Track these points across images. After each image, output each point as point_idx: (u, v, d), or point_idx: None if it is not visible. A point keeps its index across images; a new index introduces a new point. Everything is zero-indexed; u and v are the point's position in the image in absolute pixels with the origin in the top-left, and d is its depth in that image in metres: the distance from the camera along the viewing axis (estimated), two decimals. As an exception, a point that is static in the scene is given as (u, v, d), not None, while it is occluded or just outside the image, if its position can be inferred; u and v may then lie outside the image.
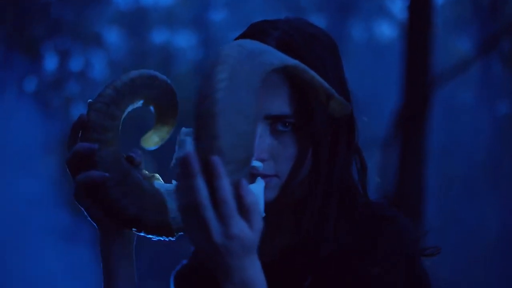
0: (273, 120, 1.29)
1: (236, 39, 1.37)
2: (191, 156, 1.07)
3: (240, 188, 1.08)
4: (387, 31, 11.40)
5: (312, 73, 1.21)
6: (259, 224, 1.09)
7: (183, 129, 1.20)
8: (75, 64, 9.79)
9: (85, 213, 1.31)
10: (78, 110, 9.91)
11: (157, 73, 1.31)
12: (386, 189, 4.97)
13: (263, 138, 1.28)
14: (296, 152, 1.30)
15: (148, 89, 1.32)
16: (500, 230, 9.58)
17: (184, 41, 11.01)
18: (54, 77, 9.32)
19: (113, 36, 10.58)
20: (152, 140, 1.40)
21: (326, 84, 1.22)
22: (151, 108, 1.36)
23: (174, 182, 1.25)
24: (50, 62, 9.39)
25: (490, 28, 7.99)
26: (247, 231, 1.08)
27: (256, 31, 1.34)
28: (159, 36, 11.11)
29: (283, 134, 1.29)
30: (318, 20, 10.67)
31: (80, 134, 1.27)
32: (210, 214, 1.07)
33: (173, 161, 1.19)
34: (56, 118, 8.71)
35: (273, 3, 10.52)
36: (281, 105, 1.28)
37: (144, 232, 1.28)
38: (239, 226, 1.07)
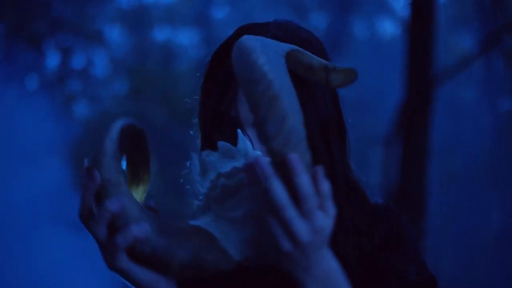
0: None
1: (223, 43, 1.36)
2: (261, 159, 1.04)
3: (317, 175, 1.04)
4: (389, 28, 11.40)
5: (308, 53, 1.19)
6: (332, 209, 1.05)
7: (194, 154, 1.16)
8: (77, 61, 9.79)
9: (136, 280, 1.14)
10: (80, 107, 9.91)
11: (134, 122, 1.21)
12: (389, 187, 4.97)
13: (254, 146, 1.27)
14: None
15: (128, 139, 1.23)
16: (501, 228, 9.58)
17: (185, 38, 11.01)
18: (56, 75, 9.32)
19: (115, 33, 10.58)
20: None
21: (323, 60, 1.20)
22: (123, 165, 1.23)
23: (201, 217, 1.17)
24: (52, 60, 9.40)
25: (492, 25, 7.99)
26: (327, 221, 1.05)
27: (245, 34, 1.33)
28: (160, 34, 11.11)
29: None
30: (320, 17, 10.66)
31: (92, 193, 1.14)
32: (292, 213, 1.03)
33: (214, 177, 1.12)
34: (58, 115, 8.71)
35: (275, 0, 10.51)
36: None
37: (205, 273, 1.14)
38: (320, 218, 1.04)
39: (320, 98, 1.30)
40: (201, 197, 1.19)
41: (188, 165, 1.21)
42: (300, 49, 1.19)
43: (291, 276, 1.08)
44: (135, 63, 10.55)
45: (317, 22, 10.35)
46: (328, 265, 1.08)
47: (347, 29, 10.39)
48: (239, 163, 1.13)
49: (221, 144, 1.16)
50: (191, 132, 1.43)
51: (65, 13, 8.88)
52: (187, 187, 1.24)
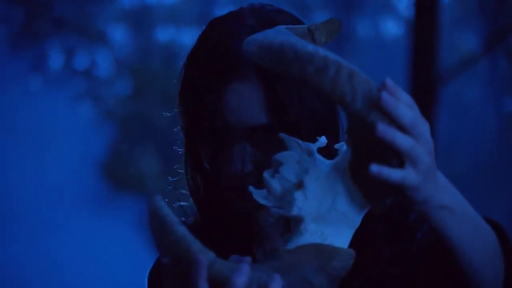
0: (252, 131, 1.23)
1: (198, 40, 1.31)
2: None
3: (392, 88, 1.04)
4: (392, 28, 11.38)
5: (290, 26, 1.16)
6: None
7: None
8: (80, 62, 9.78)
9: None
10: (83, 108, 9.90)
11: None
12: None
13: (244, 150, 1.24)
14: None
15: None
16: (506, 227, 9.56)
17: (189, 39, 10.99)
18: (59, 75, 9.32)
19: (118, 34, 10.57)
20: None
21: (304, 26, 1.17)
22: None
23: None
24: (55, 60, 9.39)
25: (496, 24, 7.96)
26: (427, 127, 1.06)
27: (221, 32, 1.28)
28: (163, 34, 11.10)
29: (263, 141, 1.24)
30: (323, 17, 10.64)
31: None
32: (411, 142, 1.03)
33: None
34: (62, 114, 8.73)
35: (278, 0, 10.49)
36: (258, 114, 1.23)
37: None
38: (425, 132, 1.05)
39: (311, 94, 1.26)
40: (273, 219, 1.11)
41: (171, 180, 1.18)
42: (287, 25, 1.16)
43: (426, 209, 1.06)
44: (138, 63, 10.55)
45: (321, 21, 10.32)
46: (442, 177, 1.09)
47: (351, 28, 10.38)
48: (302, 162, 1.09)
49: (280, 156, 1.10)
50: (174, 147, 1.38)
51: (68, 13, 8.87)
52: (174, 205, 1.21)
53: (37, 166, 8.25)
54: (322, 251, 1.05)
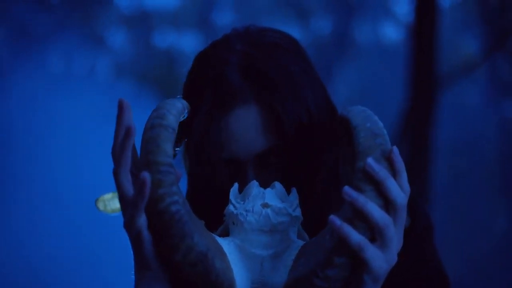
0: (256, 157, 1.23)
1: (191, 74, 1.31)
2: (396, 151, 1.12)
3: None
4: (393, 33, 11.38)
5: None
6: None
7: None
8: (79, 66, 9.78)
9: (141, 247, 1.17)
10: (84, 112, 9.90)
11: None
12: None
13: (251, 176, 1.25)
14: (282, 175, 1.26)
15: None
16: (507, 230, 9.56)
17: (188, 44, 10.99)
18: (58, 79, 9.32)
19: (118, 38, 10.58)
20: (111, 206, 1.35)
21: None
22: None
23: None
24: (54, 64, 9.39)
25: (497, 29, 7.96)
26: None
27: (212, 62, 1.27)
28: (163, 39, 11.10)
29: (264, 164, 1.24)
30: (324, 21, 10.64)
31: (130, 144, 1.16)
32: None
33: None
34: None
35: (279, 5, 10.50)
36: (262, 140, 1.23)
37: (203, 278, 1.18)
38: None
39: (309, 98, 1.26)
40: (225, 217, 1.24)
41: None
42: None
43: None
44: (138, 68, 10.55)
45: (321, 26, 10.33)
46: None
47: (351, 33, 10.38)
48: (291, 208, 1.20)
49: (278, 185, 1.22)
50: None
51: (68, 17, 8.87)
52: None
53: (36, 167, 8.26)
54: (221, 252, 1.21)
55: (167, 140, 1.17)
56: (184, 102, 1.22)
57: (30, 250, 6.83)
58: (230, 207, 1.23)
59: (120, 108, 1.14)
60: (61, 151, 7.71)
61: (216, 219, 1.27)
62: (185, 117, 1.23)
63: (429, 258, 1.32)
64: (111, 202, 1.33)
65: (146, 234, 1.15)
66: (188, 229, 1.15)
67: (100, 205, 1.33)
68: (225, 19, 11.16)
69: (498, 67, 9.30)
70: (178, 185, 1.19)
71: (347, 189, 1.05)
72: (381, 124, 1.22)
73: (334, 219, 1.06)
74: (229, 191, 1.26)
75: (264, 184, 1.24)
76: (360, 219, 1.09)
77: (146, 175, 1.13)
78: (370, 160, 1.09)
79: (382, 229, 1.06)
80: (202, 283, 1.17)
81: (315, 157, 1.26)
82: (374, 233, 1.07)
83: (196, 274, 1.16)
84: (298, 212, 1.22)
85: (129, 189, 1.16)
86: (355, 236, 1.05)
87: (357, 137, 1.17)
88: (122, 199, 1.16)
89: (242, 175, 1.27)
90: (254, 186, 1.23)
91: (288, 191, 1.26)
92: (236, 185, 1.22)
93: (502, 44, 6.16)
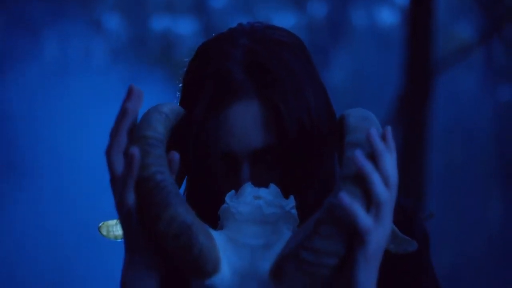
0: (254, 153, 1.24)
1: (192, 64, 1.31)
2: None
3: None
4: (388, 17, 11.36)
5: None
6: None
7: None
8: (75, 50, 9.76)
9: (130, 226, 1.17)
10: (79, 96, 9.88)
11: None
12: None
13: (246, 174, 1.24)
14: (281, 172, 1.26)
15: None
16: (503, 219, 9.57)
17: (184, 28, 10.97)
18: (54, 64, 9.30)
19: (113, 22, 10.55)
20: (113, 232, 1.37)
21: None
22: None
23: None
24: (50, 49, 9.37)
25: (492, 13, 7.96)
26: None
27: (215, 55, 1.27)
28: (159, 23, 11.07)
29: (262, 161, 1.24)
30: (319, 5, 10.62)
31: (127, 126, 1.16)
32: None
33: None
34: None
35: (274, -11, 10.47)
36: (261, 136, 1.23)
37: (185, 255, 1.17)
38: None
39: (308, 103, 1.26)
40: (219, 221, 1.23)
41: None
42: None
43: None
44: (134, 52, 10.53)
45: (317, 9, 10.31)
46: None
47: (346, 18, 10.36)
48: (285, 204, 1.20)
49: (273, 186, 1.20)
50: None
51: (64, 1, 8.85)
52: None
53: (36, 154, 8.24)
54: (207, 231, 1.21)
55: (159, 121, 1.18)
56: (181, 108, 1.24)
57: (31, 247, 6.82)
58: (224, 205, 1.22)
59: (128, 92, 1.15)
60: (61, 136, 7.70)
61: (213, 222, 1.27)
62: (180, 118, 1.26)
63: (425, 271, 1.32)
64: (114, 228, 1.34)
65: (135, 213, 1.15)
66: (173, 199, 1.14)
67: (103, 231, 1.34)
68: (221, 2, 11.13)
69: (494, 52, 9.29)
70: (167, 162, 1.19)
71: (358, 153, 1.05)
72: (377, 121, 1.22)
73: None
74: (225, 191, 1.25)
75: (259, 184, 1.24)
76: (361, 187, 1.07)
77: (134, 150, 1.12)
78: (372, 131, 1.10)
79: (381, 204, 1.05)
80: (185, 259, 1.15)
81: (313, 159, 1.26)
82: (372, 206, 1.06)
83: (179, 248, 1.14)
84: (293, 211, 1.21)
85: (119, 168, 1.15)
86: (348, 199, 1.04)
87: (347, 121, 1.17)
88: (112, 179, 1.16)
89: (237, 171, 1.26)
90: (248, 186, 1.22)
91: (285, 195, 1.24)
92: (233, 191, 1.22)
93: (497, 29, 6.15)
